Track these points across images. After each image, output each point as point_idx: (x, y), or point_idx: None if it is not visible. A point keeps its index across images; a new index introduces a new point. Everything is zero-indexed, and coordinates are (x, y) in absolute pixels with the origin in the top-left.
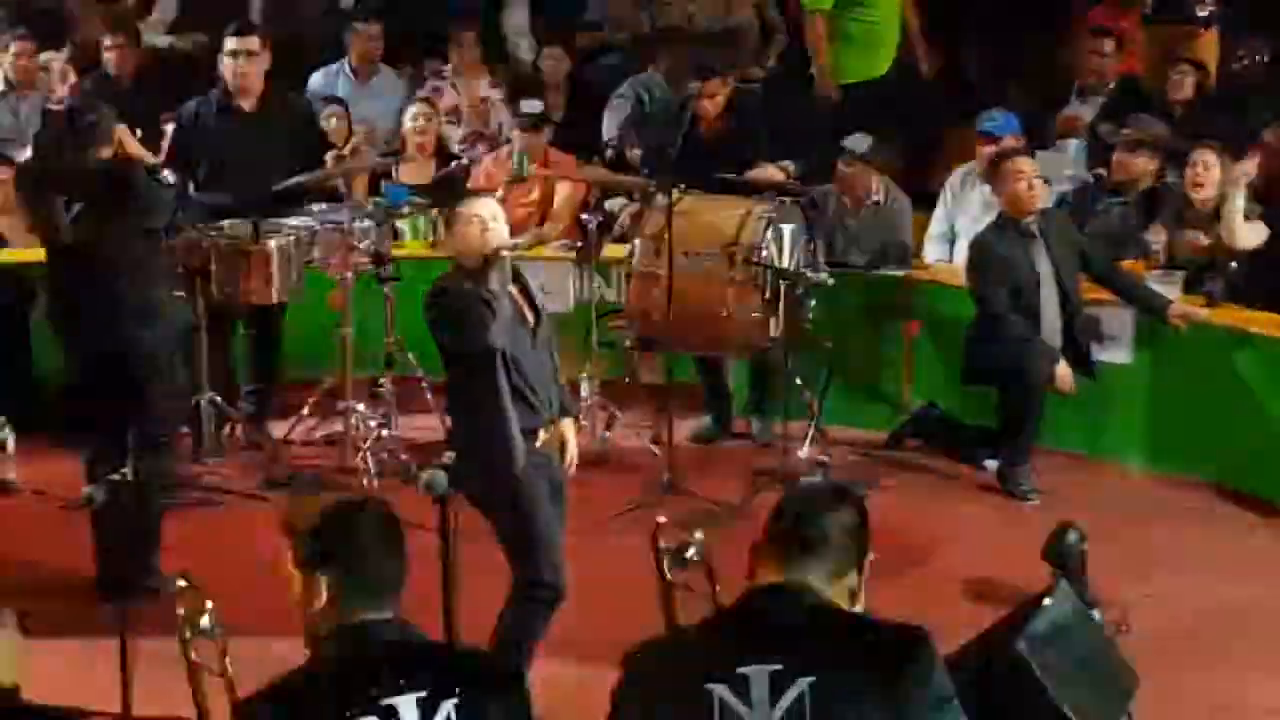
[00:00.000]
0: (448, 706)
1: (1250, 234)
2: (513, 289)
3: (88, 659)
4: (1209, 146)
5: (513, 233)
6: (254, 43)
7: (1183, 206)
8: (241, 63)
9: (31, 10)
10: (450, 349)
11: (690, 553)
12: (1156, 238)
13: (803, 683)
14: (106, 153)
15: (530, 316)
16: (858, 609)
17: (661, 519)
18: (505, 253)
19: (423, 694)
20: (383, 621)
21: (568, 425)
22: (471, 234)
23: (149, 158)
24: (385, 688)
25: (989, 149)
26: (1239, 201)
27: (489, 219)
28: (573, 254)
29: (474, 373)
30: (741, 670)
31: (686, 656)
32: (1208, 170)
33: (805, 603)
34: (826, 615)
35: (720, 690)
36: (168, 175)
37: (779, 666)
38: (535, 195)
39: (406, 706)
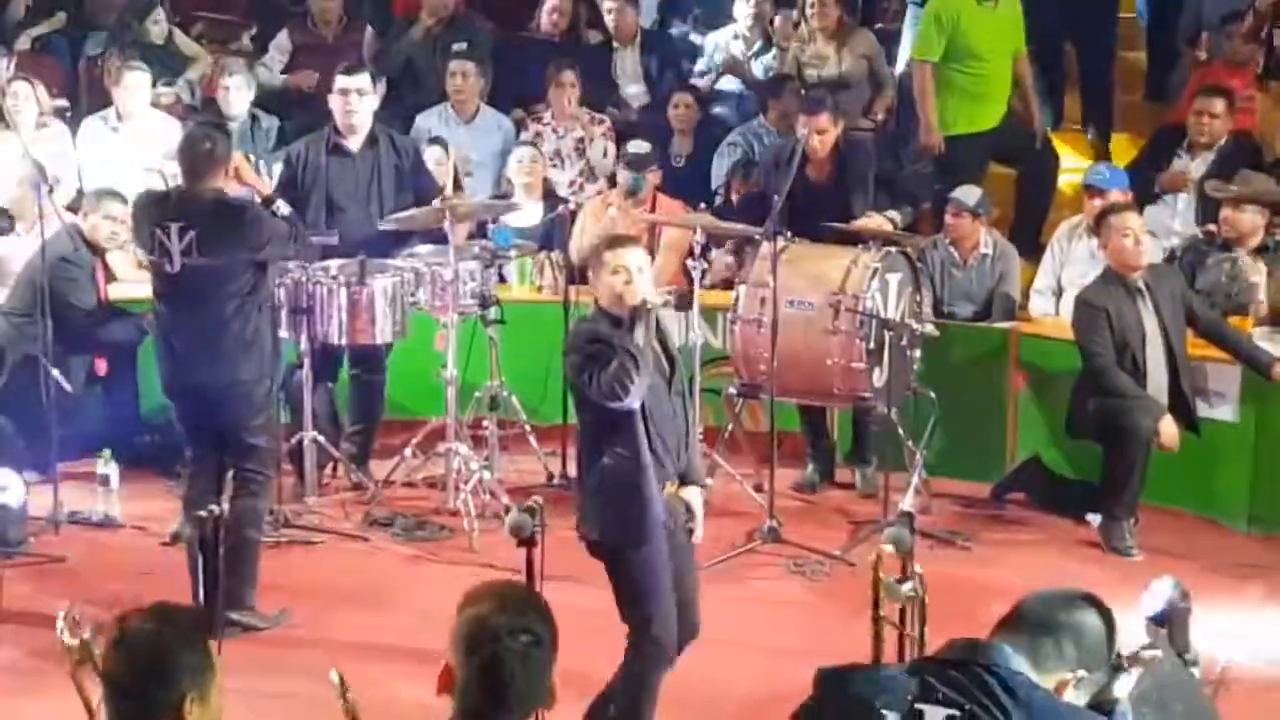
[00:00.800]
0: None
1: None
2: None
3: None
4: None
5: None
6: (364, 81)
7: None
8: (351, 101)
9: (147, 46)
10: (586, 393)
11: (907, 587)
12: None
13: None
14: (220, 182)
15: (666, 366)
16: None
17: (887, 548)
18: (651, 305)
19: None
20: None
21: (694, 494)
22: (616, 284)
23: (264, 187)
24: None
25: (1096, 202)
26: None
27: (634, 269)
28: (675, 299)
29: (612, 422)
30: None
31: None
32: None
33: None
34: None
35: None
36: (282, 206)
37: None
38: (641, 240)
39: None
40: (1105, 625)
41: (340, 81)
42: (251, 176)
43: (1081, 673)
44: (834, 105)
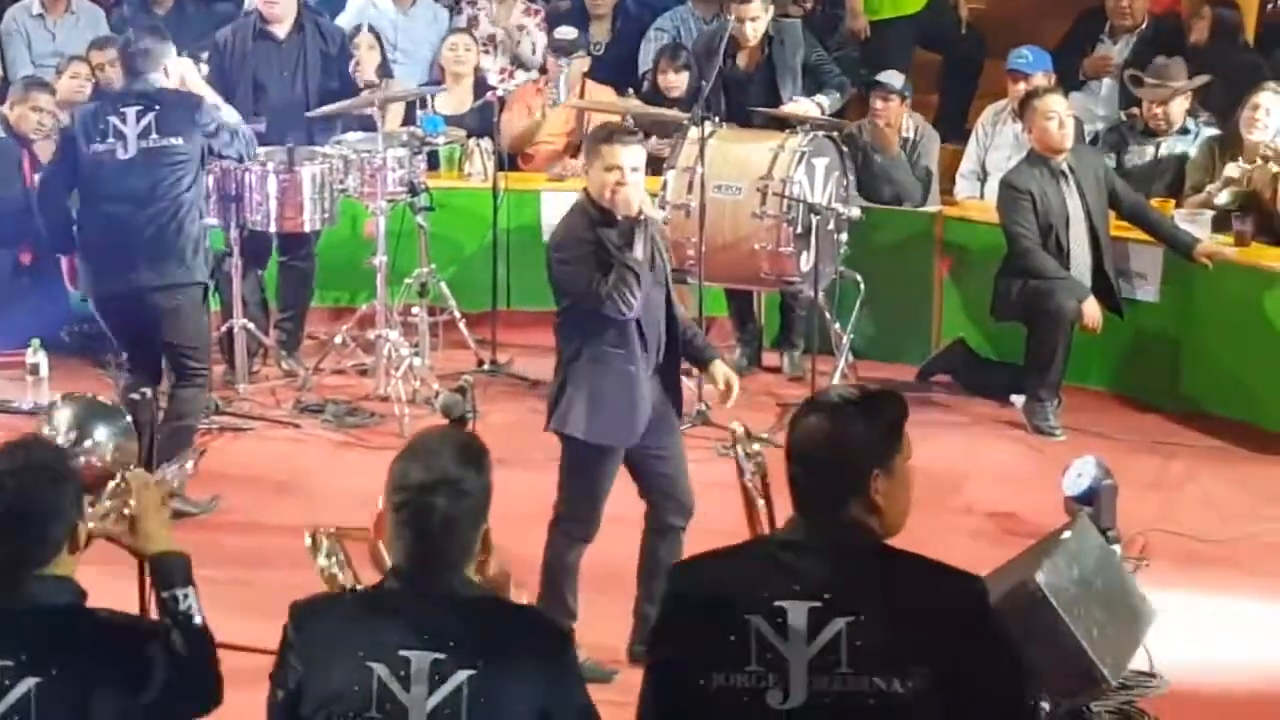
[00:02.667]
0: (460, 678)
1: None
2: None
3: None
4: (1272, 90)
5: (546, 163)
6: None
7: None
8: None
9: None
10: (581, 303)
11: (750, 460)
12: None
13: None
14: (161, 81)
15: (657, 261)
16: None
17: (738, 426)
18: (647, 217)
19: (440, 656)
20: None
21: (719, 368)
22: (608, 180)
23: (211, 94)
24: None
25: (1020, 86)
26: None
27: (628, 169)
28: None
29: (602, 320)
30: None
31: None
32: (1268, 114)
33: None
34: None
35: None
36: (229, 111)
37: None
38: (570, 126)
39: (420, 662)
40: None
41: None
42: (198, 84)
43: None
44: None
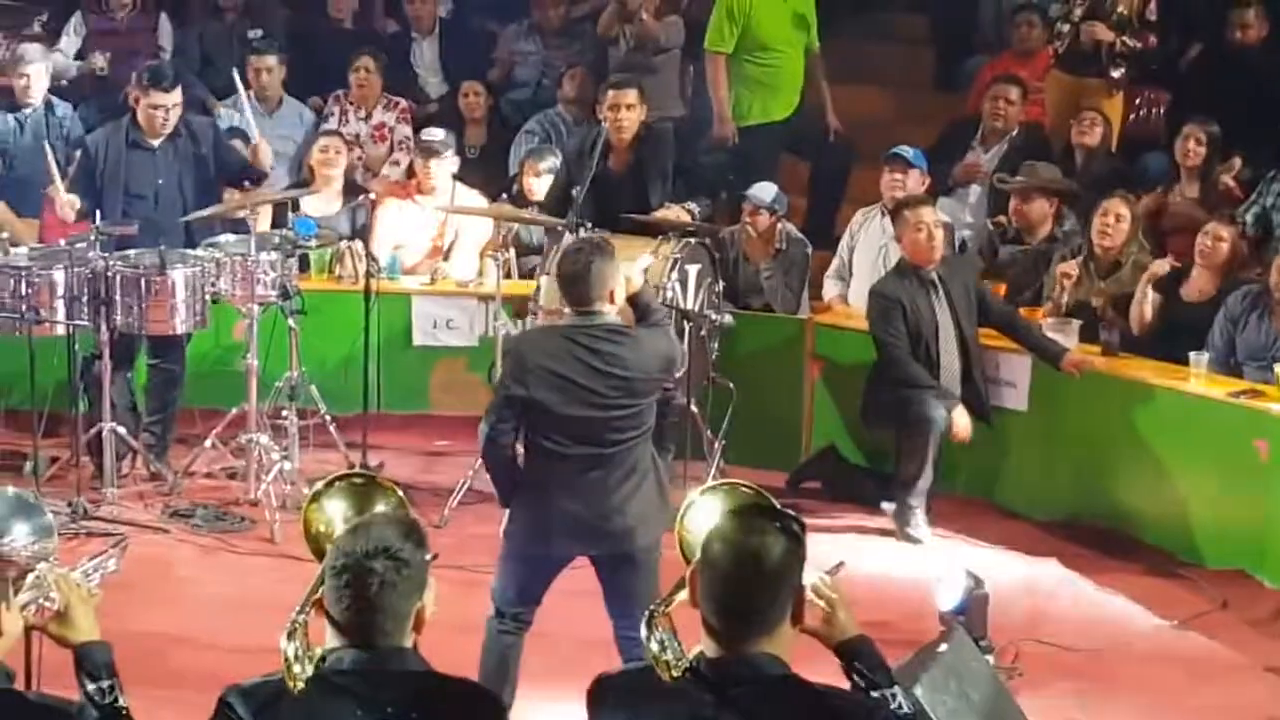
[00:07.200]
0: None
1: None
2: None
3: None
4: (1122, 198)
5: (419, 268)
6: (178, 96)
7: (1087, 255)
8: (164, 114)
9: None
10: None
11: None
12: (1065, 268)
13: None
14: None
15: None
16: None
17: None
18: None
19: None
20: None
21: None
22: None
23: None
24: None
25: (897, 176)
26: (1150, 294)
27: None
28: (477, 289)
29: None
30: None
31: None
32: (1119, 222)
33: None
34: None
35: None
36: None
37: None
38: (440, 230)
39: None
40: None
41: (154, 98)
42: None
43: None
44: (639, 85)
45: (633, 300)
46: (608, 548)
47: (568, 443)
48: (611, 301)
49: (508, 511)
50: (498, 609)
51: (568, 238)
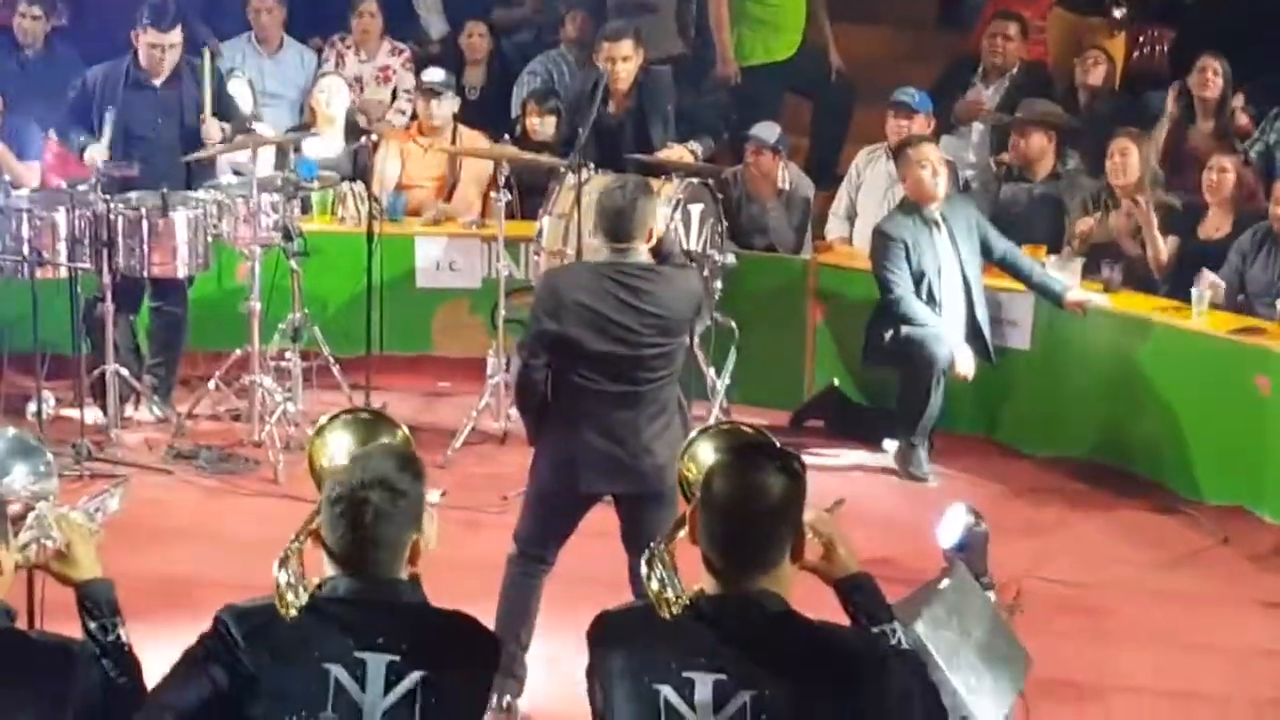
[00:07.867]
0: (414, 679)
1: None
2: None
3: None
4: (1128, 134)
5: (421, 208)
6: (176, 37)
7: (1100, 192)
8: (161, 54)
9: None
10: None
11: None
12: (1083, 226)
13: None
14: None
15: None
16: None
17: None
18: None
19: (394, 659)
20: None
21: None
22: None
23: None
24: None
25: (902, 123)
26: (1157, 236)
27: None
28: (480, 231)
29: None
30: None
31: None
32: (1125, 157)
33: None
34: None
35: (666, 690)
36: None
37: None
38: (442, 170)
39: (376, 664)
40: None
41: (152, 36)
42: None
43: None
44: (635, 33)
45: (655, 245)
46: (637, 486)
47: (599, 379)
48: (649, 240)
49: (534, 450)
50: (520, 549)
51: (569, 179)
